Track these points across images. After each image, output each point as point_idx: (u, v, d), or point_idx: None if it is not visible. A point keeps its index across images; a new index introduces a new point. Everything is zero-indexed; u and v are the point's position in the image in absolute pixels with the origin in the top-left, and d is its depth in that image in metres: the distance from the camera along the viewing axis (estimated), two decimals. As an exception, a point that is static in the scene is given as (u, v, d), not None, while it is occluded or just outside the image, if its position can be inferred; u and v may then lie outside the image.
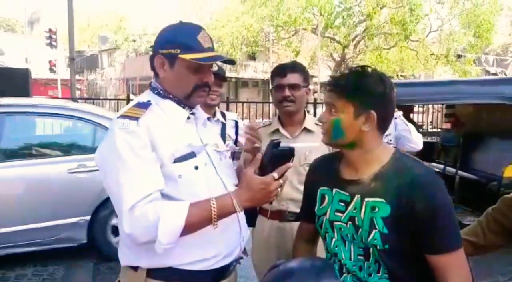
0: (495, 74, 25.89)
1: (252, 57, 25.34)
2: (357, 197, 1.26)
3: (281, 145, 1.32)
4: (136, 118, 1.30)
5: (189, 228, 1.26)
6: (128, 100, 9.24)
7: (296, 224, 2.02)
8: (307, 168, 1.84)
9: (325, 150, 2.00)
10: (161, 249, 1.25)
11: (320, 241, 1.51)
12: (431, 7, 19.72)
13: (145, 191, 1.25)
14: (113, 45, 33.58)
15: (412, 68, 21.72)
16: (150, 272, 1.36)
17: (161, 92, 1.43)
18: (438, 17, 20.53)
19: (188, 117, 1.43)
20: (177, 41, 1.37)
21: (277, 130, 2.16)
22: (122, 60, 33.76)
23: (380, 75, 1.27)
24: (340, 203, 1.31)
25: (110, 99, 17.52)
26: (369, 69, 1.28)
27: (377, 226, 1.21)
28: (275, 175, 1.26)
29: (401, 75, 22.36)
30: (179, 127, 1.39)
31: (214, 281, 1.41)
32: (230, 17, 20.51)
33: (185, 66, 1.38)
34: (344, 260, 1.29)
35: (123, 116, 1.33)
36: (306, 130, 2.14)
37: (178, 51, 1.36)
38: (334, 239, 1.33)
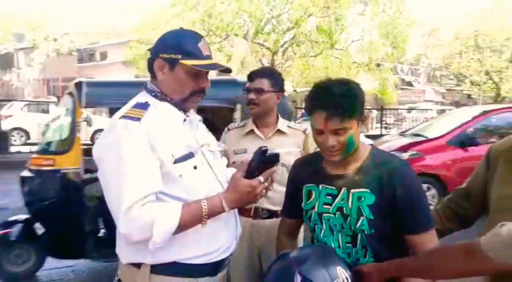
0: (410, 82, 27.98)
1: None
2: (343, 190, 1.42)
3: (268, 151, 1.42)
4: (138, 119, 1.35)
5: (182, 227, 1.34)
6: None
7: (268, 221, 2.17)
8: (281, 168, 2.01)
9: (297, 152, 2.21)
10: (155, 248, 1.32)
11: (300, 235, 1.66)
12: (353, 18, 20.89)
13: (142, 192, 1.30)
14: (30, 44, 31.43)
15: (337, 75, 22.83)
16: (154, 268, 1.40)
17: (158, 94, 1.48)
18: (360, 28, 21.77)
19: (184, 120, 1.50)
20: (179, 47, 1.43)
21: (251, 131, 2.29)
22: (41, 60, 31.69)
23: (356, 84, 1.42)
24: (327, 197, 1.46)
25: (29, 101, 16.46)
26: (347, 82, 1.42)
27: (364, 213, 1.38)
28: (261, 178, 1.38)
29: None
30: (176, 129, 1.45)
31: (215, 273, 1.49)
32: (160, 20, 20.18)
33: (184, 71, 1.44)
34: (334, 248, 1.44)
35: (124, 117, 1.37)
36: (280, 132, 2.29)
37: (180, 56, 1.43)
38: (323, 230, 1.47)
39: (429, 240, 1.39)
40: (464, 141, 6.67)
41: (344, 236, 1.44)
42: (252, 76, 2.26)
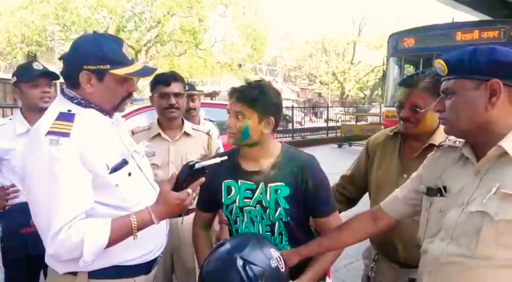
0: (269, 82, 29.78)
1: (33, 57, 22.70)
2: (261, 184, 1.60)
3: (197, 164, 1.45)
4: (67, 135, 1.29)
5: (112, 243, 1.34)
6: None
7: (181, 219, 2.24)
8: None
9: (202, 150, 2.32)
10: (84, 264, 1.31)
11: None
12: (216, 19, 21.48)
13: (72, 213, 1.27)
14: None
15: (201, 75, 23.20)
16: (92, 273, 1.39)
17: (82, 102, 1.42)
18: (222, 29, 22.47)
19: (112, 123, 1.48)
20: (104, 56, 1.38)
21: (158, 135, 2.30)
22: None
23: (275, 89, 1.62)
24: (247, 191, 1.62)
25: None
26: (266, 83, 1.60)
27: (281, 204, 1.58)
28: (189, 191, 1.42)
29: (191, 81, 23.66)
30: (106, 137, 1.42)
31: (149, 271, 1.54)
32: (4, 11, 17.98)
33: (114, 80, 1.42)
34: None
35: (52, 132, 1.28)
36: (186, 134, 2.34)
37: (108, 66, 1.38)
38: (244, 222, 1.65)
39: (335, 220, 1.65)
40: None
41: (264, 226, 1.62)
42: (168, 80, 2.25)
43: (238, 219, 1.66)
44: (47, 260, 1.41)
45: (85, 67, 1.38)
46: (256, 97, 1.53)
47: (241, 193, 1.63)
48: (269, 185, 1.59)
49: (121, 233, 1.34)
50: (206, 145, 2.40)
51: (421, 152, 1.80)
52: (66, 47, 22.12)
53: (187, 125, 2.39)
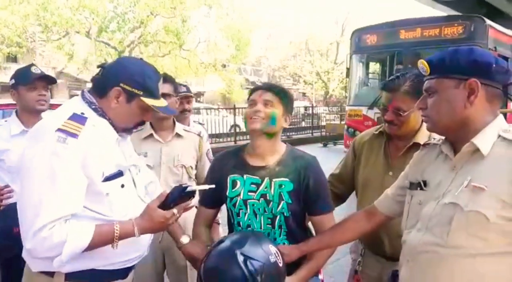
0: (254, 82, 29.87)
1: (13, 59, 22.32)
2: (266, 179, 1.69)
3: (189, 187, 1.49)
4: (76, 135, 1.32)
5: (91, 247, 1.36)
6: None
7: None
8: (180, 168, 2.16)
9: (193, 152, 2.35)
10: (59, 264, 1.33)
11: None
12: (199, 20, 21.44)
13: (59, 213, 1.29)
14: None
15: (185, 75, 23.13)
16: (69, 275, 1.39)
17: (99, 109, 1.46)
18: (206, 30, 22.44)
19: (117, 138, 1.51)
20: (143, 84, 1.47)
21: (150, 136, 2.33)
22: None
23: (290, 91, 1.76)
24: (252, 185, 1.70)
25: None
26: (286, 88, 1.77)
27: (284, 198, 1.67)
28: (175, 211, 1.45)
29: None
30: (109, 147, 1.45)
31: (126, 275, 1.56)
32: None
33: (139, 106, 1.49)
34: (256, 229, 1.71)
35: (61, 130, 1.31)
36: (178, 135, 2.37)
37: (141, 93, 1.46)
38: (247, 214, 1.72)
39: (329, 220, 1.74)
40: None
41: (266, 219, 1.70)
42: None
43: (241, 211, 1.74)
44: (24, 255, 1.42)
45: (121, 84, 1.45)
46: (284, 91, 1.71)
47: (246, 186, 1.72)
48: (274, 179, 1.69)
49: (102, 239, 1.37)
50: (197, 146, 2.45)
51: (405, 150, 1.89)
52: (46, 48, 21.96)
53: (179, 127, 2.42)
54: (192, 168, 2.40)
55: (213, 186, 1.57)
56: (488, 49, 6.92)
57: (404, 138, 1.91)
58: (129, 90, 1.46)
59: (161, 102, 1.54)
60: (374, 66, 9.95)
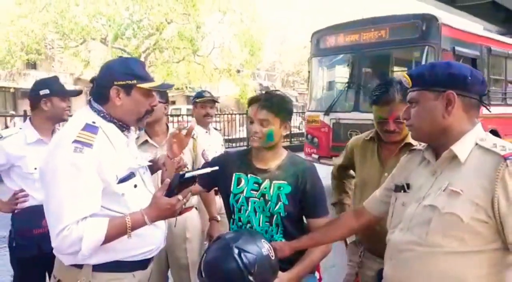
0: (267, 87, 29.98)
1: (32, 65, 22.87)
2: (267, 181, 1.83)
3: (187, 174, 1.59)
4: (90, 145, 1.47)
5: (108, 241, 1.50)
6: None
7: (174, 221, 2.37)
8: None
9: (188, 153, 2.48)
10: (82, 258, 1.48)
11: None
12: (213, 26, 21.62)
13: (80, 214, 1.44)
14: None
15: (200, 81, 23.34)
16: (96, 266, 1.55)
17: (107, 116, 1.60)
18: (220, 35, 22.61)
19: (126, 141, 1.65)
20: (131, 72, 1.59)
21: (146, 142, 2.47)
22: None
23: (289, 97, 1.87)
24: (254, 184, 1.85)
25: None
26: (281, 93, 1.86)
27: (282, 199, 1.80)
28: (180, 197, 1.56)
29: (190, 87, 23.81)
30: (120, 150, 1.59)
31: (146, 266, 1.71)
32: (4, 20, 18.15)
33: (140, 94, 1.61)
34: (255, 226, 1.85)
35: (77, 141, 1.46)
36: None
37: (135, 81, 1.58)
38: (248, 211, 1.86)
39: (323, 223, 1.84)
40: None
41: (264, 217, 1.84)
42: None
43: (242, 207, 1.87)
44: (54, 252, 1.57)
45: (115, 83, 1.58)
46: (278, 105, 1.79)
47: (249, 185, 1.86)
48: (274, 182, 1.83)
49: (117, 231, 1.51)
50: (191, 147, 2.56)
51: (398, 151, 2.02)
52: (65, 55, 22.43)
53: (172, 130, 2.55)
54: (188, 169, 2.50)
55: (217, 168, 1.67)
56: (442, 50, 6.55)
57: (397, 141, 2.04)
58: (124, 84, 1.58)
59: (156, 83, 1.65)
60: (333, 70, 8.92)
